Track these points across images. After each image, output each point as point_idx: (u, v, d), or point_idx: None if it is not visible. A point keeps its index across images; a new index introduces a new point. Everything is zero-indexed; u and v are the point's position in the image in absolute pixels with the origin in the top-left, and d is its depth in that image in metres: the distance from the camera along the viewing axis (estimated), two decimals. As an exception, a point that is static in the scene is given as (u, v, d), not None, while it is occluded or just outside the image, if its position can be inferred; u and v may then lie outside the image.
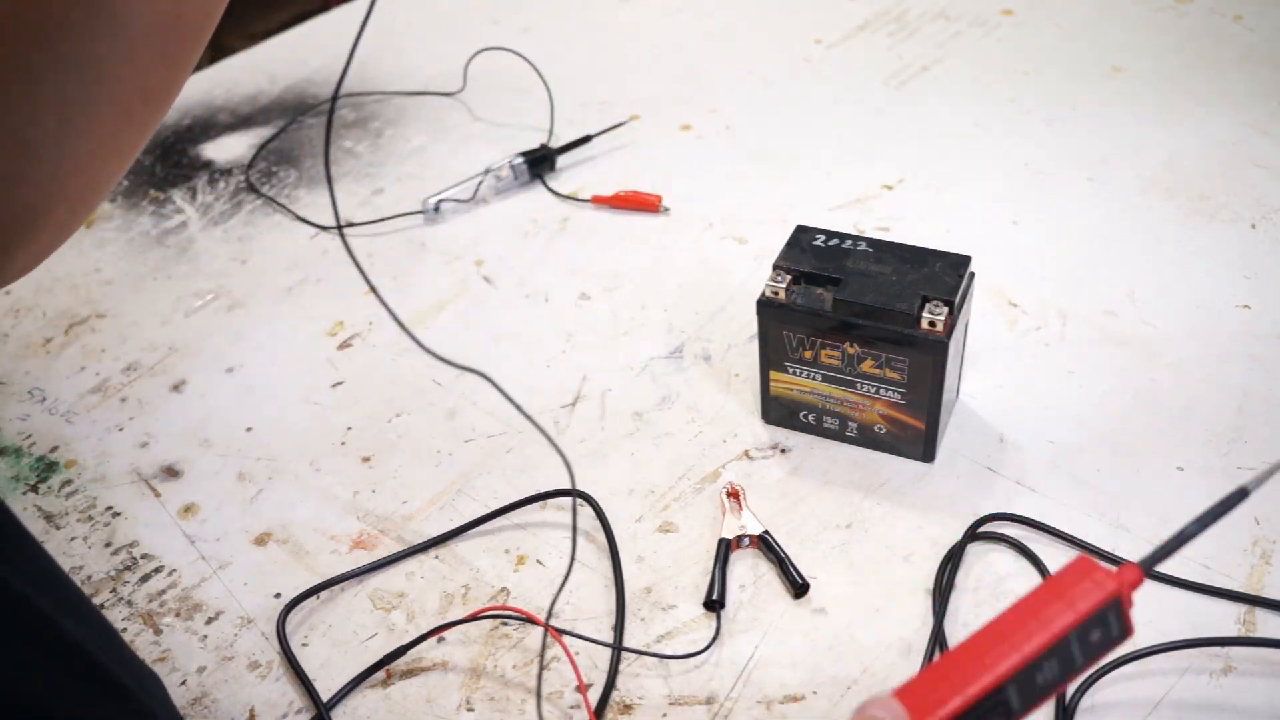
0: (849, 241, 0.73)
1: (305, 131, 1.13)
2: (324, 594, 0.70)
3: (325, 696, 0.64)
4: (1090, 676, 0.62)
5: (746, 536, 0.70)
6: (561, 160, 1.05)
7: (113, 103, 0.50)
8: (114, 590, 0.72)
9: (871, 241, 0.73)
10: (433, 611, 0.69)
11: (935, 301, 0.68)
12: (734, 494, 0.73)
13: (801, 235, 0.74)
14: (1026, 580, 0.68)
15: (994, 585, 0.68)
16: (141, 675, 0.54)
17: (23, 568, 0.46)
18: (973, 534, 0.70)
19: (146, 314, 0.93)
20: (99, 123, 0.50)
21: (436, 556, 0.72)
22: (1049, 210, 0.96)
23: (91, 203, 0.56)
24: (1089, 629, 0.42)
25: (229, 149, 1.12)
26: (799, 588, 0.68)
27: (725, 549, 0.70)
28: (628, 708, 0.63)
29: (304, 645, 0.67)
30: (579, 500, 0.73)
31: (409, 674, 0.66)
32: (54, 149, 0.50)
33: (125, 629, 0.69)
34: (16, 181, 0.50)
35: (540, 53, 1.15)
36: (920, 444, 0.74)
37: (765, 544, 0.70)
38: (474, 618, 0.67)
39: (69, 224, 0.56)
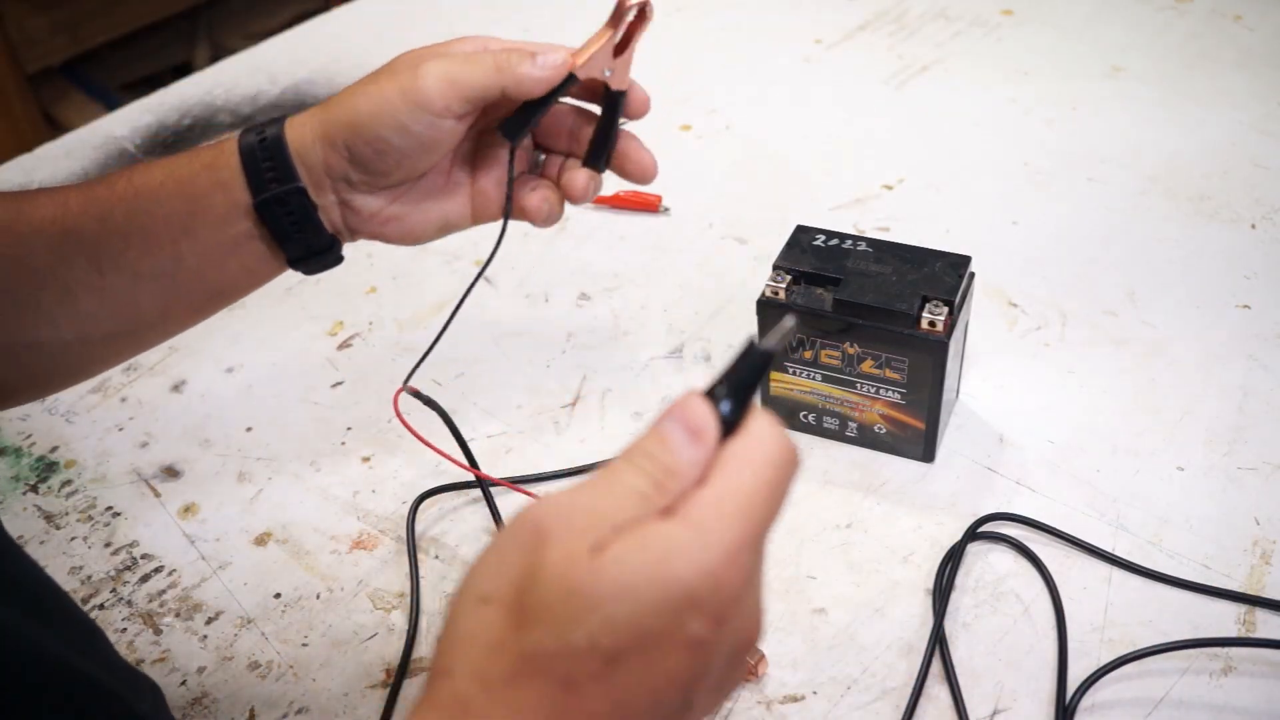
0: (849, 241, 0.73)
1: (305, 131, 1.13)
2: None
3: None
4: (1090, 676, 0.62)
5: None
6: (561, 160, 1.05)
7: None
8: (114, 590, 0.72)
9: (871, 241, 0.73)
10: (434, 611, 0.69)
11: (935, 301, 0.68)
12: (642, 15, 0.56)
13: (801, 235, 0.74)
14: (1026, 580, 0.68)
15: (994, 585, 0.68)
16: (134, 680, 0.54)
17: None
18: (973, 534, 0.70)
19: (146, 314, 0.93)
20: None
21: (436, 556, 0.72)
22: (1049, 210, 0.96)
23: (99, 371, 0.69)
24: None
25: (229, 149, 1.12)
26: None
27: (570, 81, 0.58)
28: (628, 708, 0.63)
29: (304, 645, 0.67)
30: None
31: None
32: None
33: (125, 629, 0.69)
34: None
35: (540, 53, 1.15)
36: (920, 444, 0.74)
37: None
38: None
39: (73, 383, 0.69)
